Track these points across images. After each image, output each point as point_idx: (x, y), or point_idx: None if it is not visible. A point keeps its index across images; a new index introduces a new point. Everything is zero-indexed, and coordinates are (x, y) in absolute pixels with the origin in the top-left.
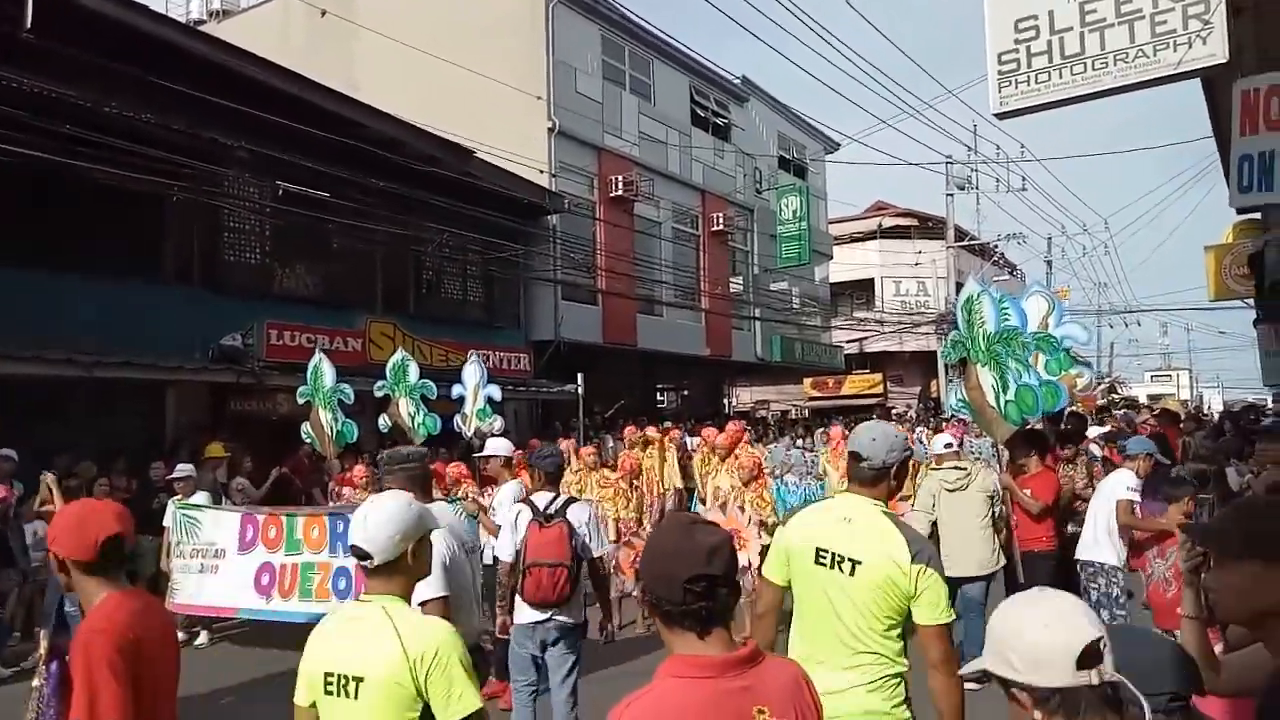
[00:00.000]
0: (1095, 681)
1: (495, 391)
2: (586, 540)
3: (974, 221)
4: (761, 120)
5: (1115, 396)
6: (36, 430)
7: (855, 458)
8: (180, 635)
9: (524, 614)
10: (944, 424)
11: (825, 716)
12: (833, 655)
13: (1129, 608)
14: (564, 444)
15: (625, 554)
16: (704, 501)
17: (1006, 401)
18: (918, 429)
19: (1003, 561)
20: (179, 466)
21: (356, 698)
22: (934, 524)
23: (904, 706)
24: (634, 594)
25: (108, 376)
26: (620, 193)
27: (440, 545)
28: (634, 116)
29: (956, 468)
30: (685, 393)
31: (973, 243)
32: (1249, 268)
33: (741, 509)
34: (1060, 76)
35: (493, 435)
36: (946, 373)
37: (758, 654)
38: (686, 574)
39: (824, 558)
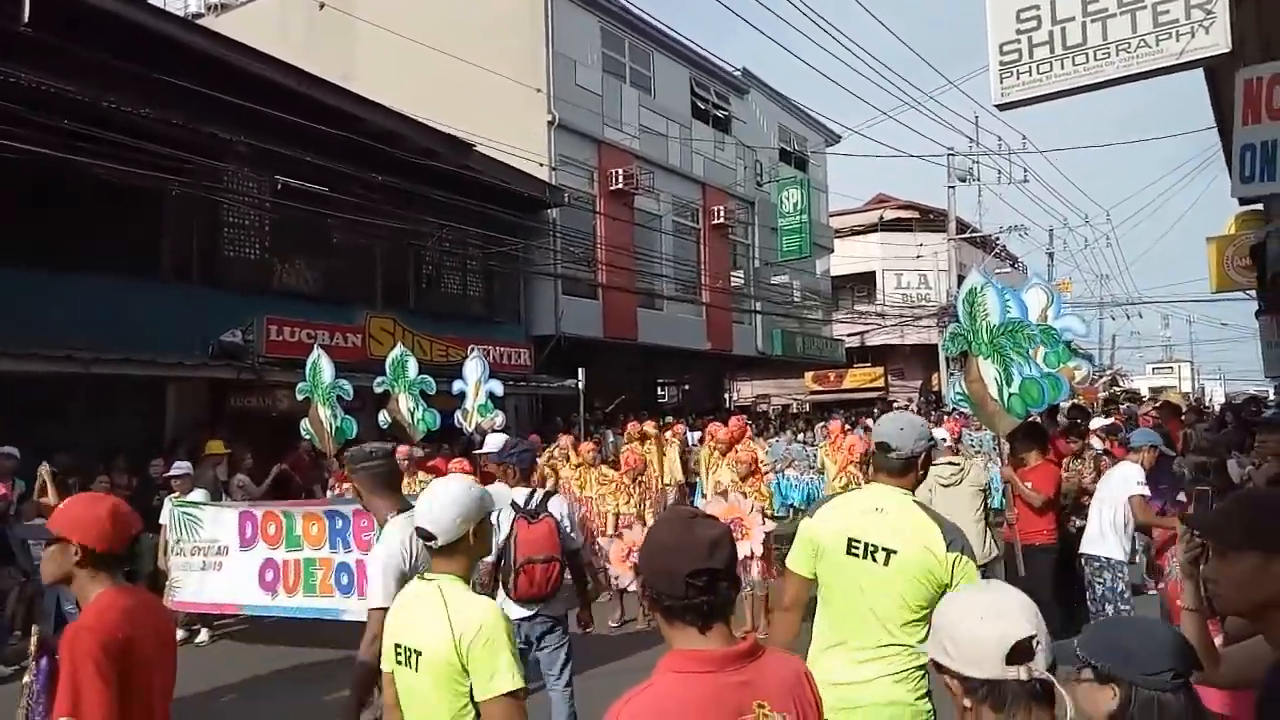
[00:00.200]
0: (1024, 677)
1: (497, 387)
2: (569, 532)
3: (976, 214)
4: (762, 112)
5: (1116, 389)
6: (37, 428)
7: (884, 448)
8: (181, 633)
9: (511, 611)
10: (945, 417)
11: (851, 706)
12: (861, 645)
13: (1134, 603)
14: (564, 439)
15: (617, 547)
16: (705, 496)
17: (1009, 394)
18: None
19: (995, 552)
20: (176, 464)
21: (418, 670)
22: None
23: (926, 699)
24: (628, 588)
25: (107, 373)
26: (620, 186)
27: (395, 552)
28: (634, 109)
29: (950, 463)
30: (686, 387)
31: (974, 235)
32: (1251, 259)
33: (744, 495)
34: (1062, 67)
35: (494, 431)
36: (948, 366)
37: (757, 648)
38: (688, 568)
39: (856, 548)
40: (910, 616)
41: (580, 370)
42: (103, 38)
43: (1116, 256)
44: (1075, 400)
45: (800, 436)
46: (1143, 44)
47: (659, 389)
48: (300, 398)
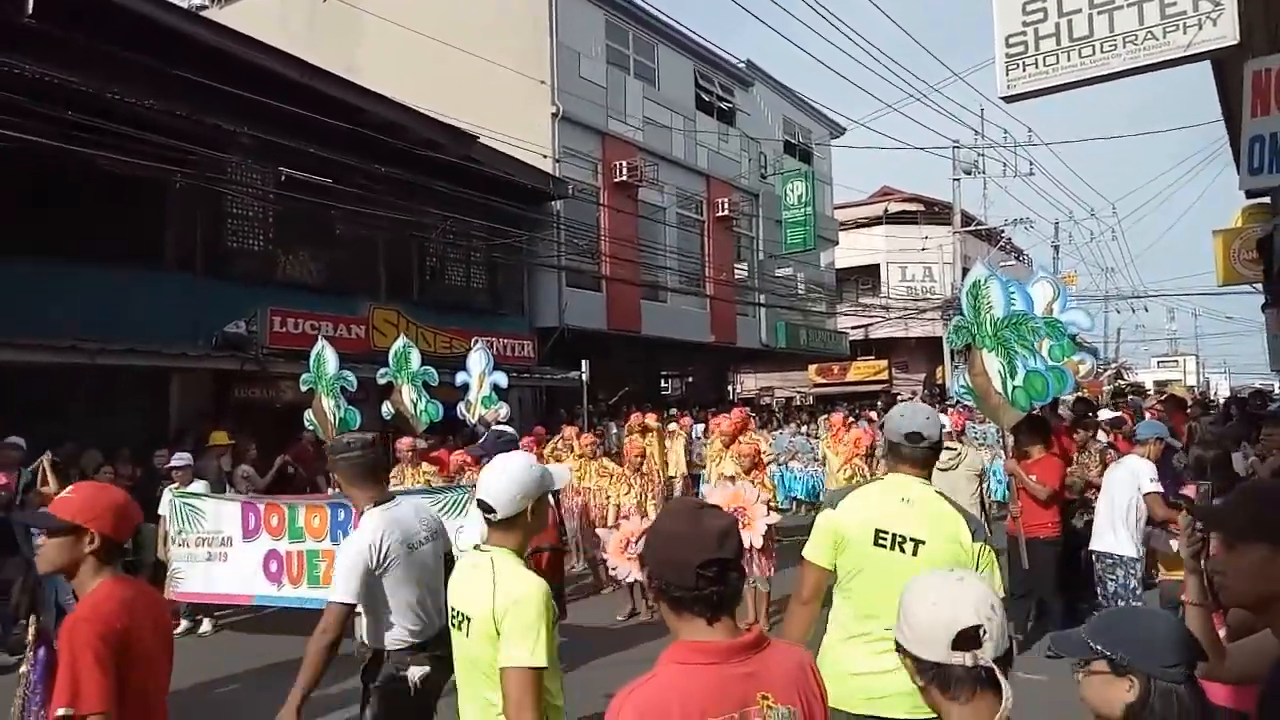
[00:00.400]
0: (968, 664)
1: (501, 379)
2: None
3: (981, 206)
4: (766, 105)
5: (1121, 383)
6: (41, 418)
7: (915, 438)
8: (184, 624)
9: None
10: (949, 409)
11: (875, 695)
12: (884, 636)
13: (1145, 598)
14: (568, 431)
15: (615, 538)
16: (710, 484)
17: (1014, 387)
18: None
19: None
20: (176, 455)
21: (468, 635)
22: None
23: None
24: (626, 579)
25: (111, 364)
26: (624, 178)
27: (364, 550)
28: (638, 101)
29: (948, 447)
30: (690, 379)
31: (979, 228)
32: (1258, 252)
33: (752, 483)
34: (1068, 59)
35: (498, 423)
36: (952, 358)
37: (762, 640)
38: (699, 559)
39: (884, 539)
40: None
41: (584, 362)
42: (107, 29)
43: (1122, 250)
44: (1080, 394)
45: (803, 429)
46: (1150, 36)
47: (663, 381)
48: (304, 389)
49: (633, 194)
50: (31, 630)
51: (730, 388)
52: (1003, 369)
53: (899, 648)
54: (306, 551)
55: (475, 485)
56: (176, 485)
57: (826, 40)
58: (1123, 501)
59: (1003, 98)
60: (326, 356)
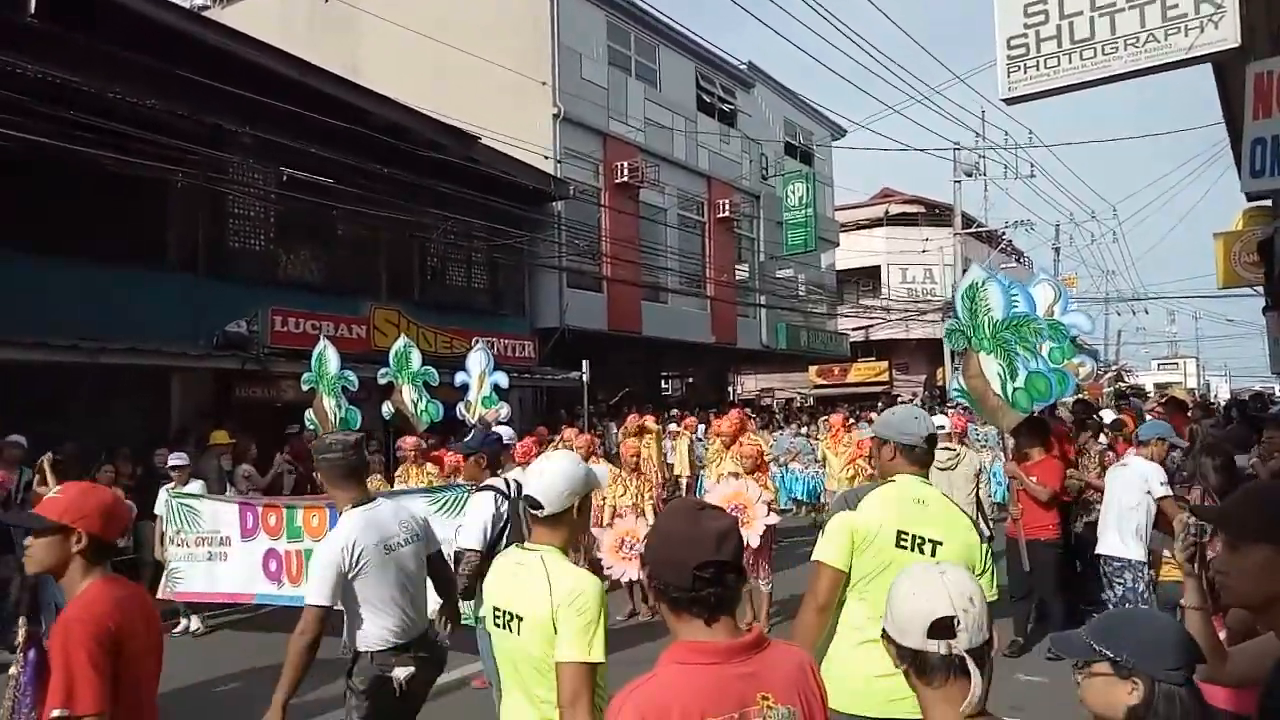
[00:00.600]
0: (942, 651)
1: (502, 379)
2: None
3: (982, 208)
4: (768, 106)
5: (1122, 385)
6: (42, 417)
7: (933, 441)
8: (183, 622)
9: None
10: (950, 411)
11: (899, 696)
12: None
13: (1151, 601)
14: (568, 432)
15: (609, 536)
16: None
17: (1014, 389)
18: None
19: (985, 533)
20: (173, 454)
21: (519, 634)
22: None
23: None
24: (622, 579)
25: (112, 364)
26: (625, 179)
27: (336, 551)
28: (639, 102)
29: (946, 448)
30: (690, 380)
31: (980, 230)
32: (1259, 254)
33: (755, 481)
34: (1070, 61)
35: (498, 423)
36: (953, 360)
37: (762, 640)
38: (696, 560)
39: (905, 540)
40: None
41: (584, 363)
42: (108, 29)
43: (1123, 252)
44: (1080, 396)
45: (804, 430)
46: (1151, 39)
47: (663, 382)
48: (306, 388)
49: (634, 195)
50: (22, 632)
51: (731, 389)
52: (1002, 371)
53: (883, 634)
54: (305, 551)
55: (472, 485)
56: (173, 485)
57: (828, 42)
58: (1129, 504)
59: (1004, 100)
60: (328, 356)
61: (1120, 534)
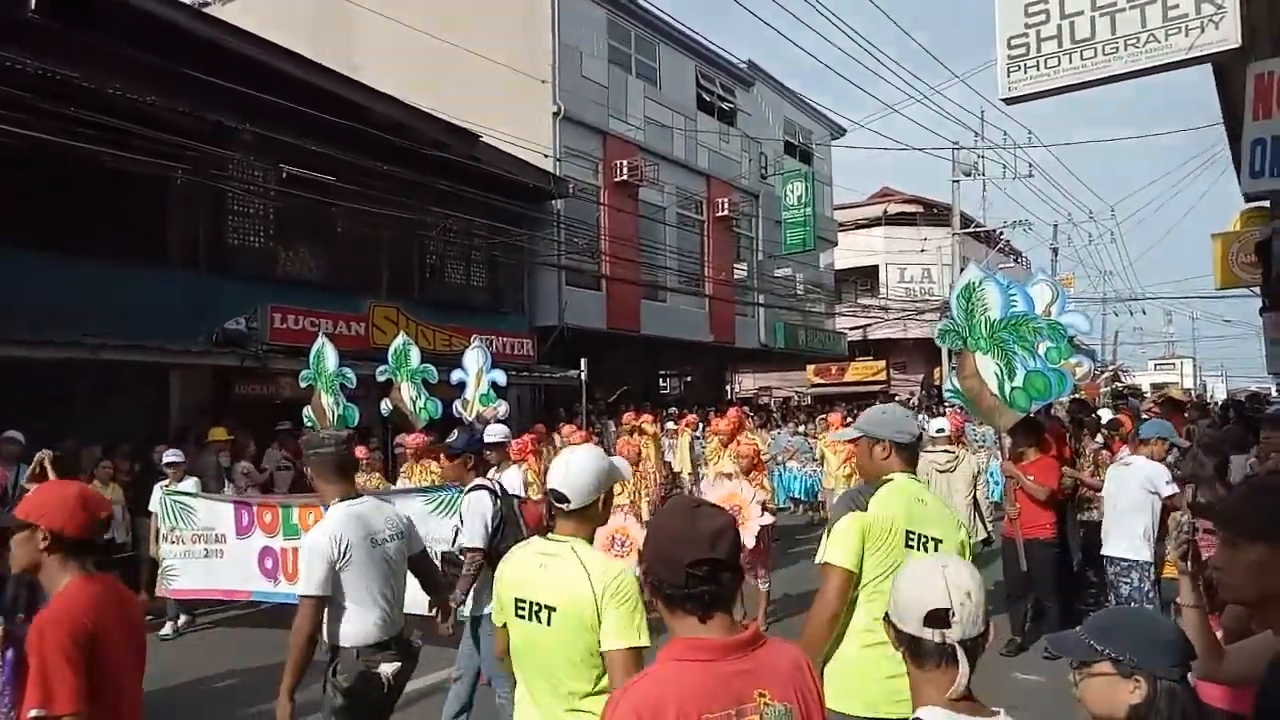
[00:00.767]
0: (936, 639)
1: (500, 376)
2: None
3: (980, 208)
4: (767, 105)
5: (1119, 385)
6: (41, 413)
7: (921, 438)
8: (182, 618)
9: None
10: (948, 411)
11: (903, 697)
12: None
13: (1156, 600)
14: (566, 429)
15: (601, 534)
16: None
17: (1012, 389)
18: (920, 416)
19: (982, 534)
20: (169, 451)
21: (549, 624)
22: None
23: None
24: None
25: (113, 359)
26: (625, 177)
27: (324, 542)
28: (639, 101)
29: (945, 450)
30: (688, 379)
31: (978, 229)
32: (1256, 255)
33: (749, 482)
34: (1070, 61)
35: (496, 420)
36: (950, 359)
37: (759, 637)
38: (689, 558)
39: (913, 540)
40: None
41: (583, 361)
42: (109, 25)
43: (1120, 252)
44: (1077, 395)
45: (801, 429)
46: (1151, 39)
47: (661, 381)
48: (304, 385)
49: (633, 193)
50: None
51: (729, 387)
52: (999, 371)
53: (885, 616)
54: (300, 548)
55: (463, 485)
56: (168, 482)
57: (828, 41)
58: (1133, 504)
59: (1004, 99)
60: (326, 353)
61: (1126, 535)
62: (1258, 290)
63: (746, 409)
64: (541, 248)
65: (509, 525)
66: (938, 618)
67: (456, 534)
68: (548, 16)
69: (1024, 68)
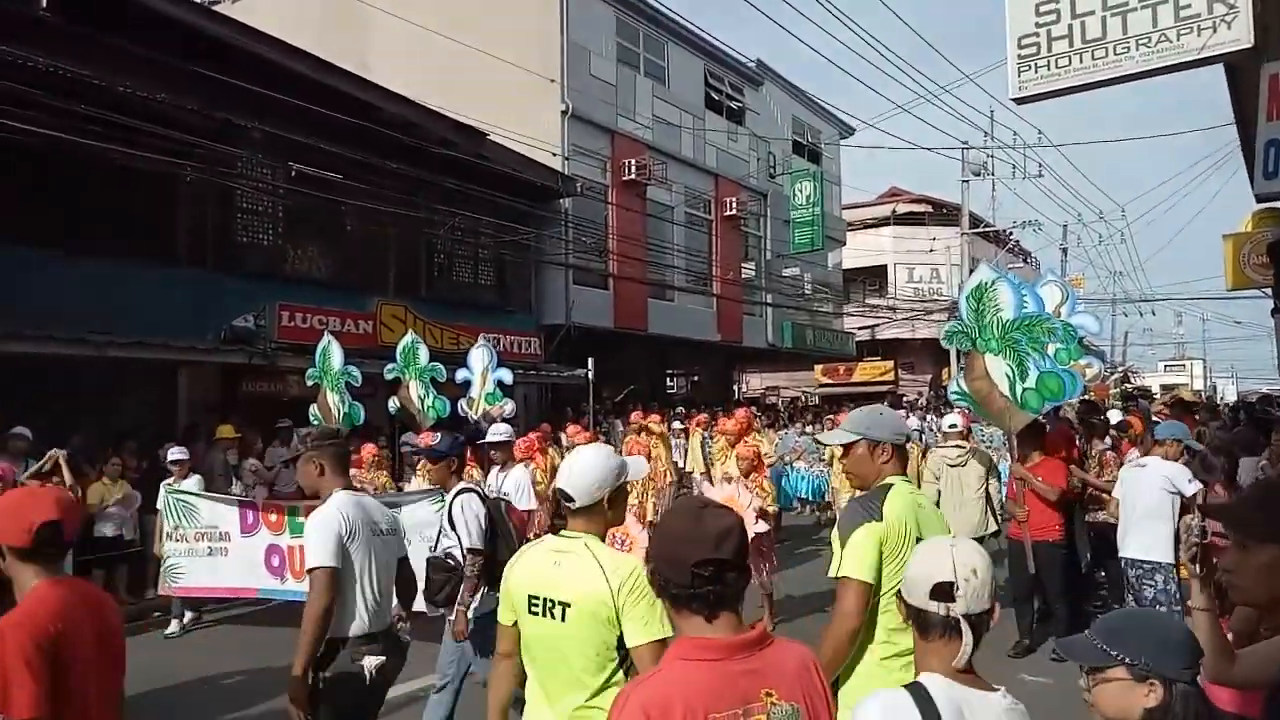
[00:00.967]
0: (941, 612)
1: (506, 375)
2: None
3: (989, 208)
4: (776, 104)
5: (1128, 386)
6: (49, 410)
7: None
8: (188, 614)
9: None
10: (957, 408)
11: None
12: None
13: (1181, 600)
14: (572, 428)
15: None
16: (713, 484)
17: (1025, 389)
18: (928, 416)
19: (993, 527)
20: (173, 449)
21: (564, 620)
22: (938, 492)
23: None
24: None
25: (120, 357)
26: (633, 176)
27: (333, 514)
28: (648, 100)
29: (957, 446)
30: (695, 378)
31: (988, 229)
32: (1268, 256)
33: (747, 489)
34: (1081, 61)
35: (503, 419)
36: (959, 360)
37: (766, 637)
38: (694, 558)
39: None
40: None
41: (590, 360)
42: (119, 23)
43: (1131, 253)
44: (1087, 397)
45: (809, 429)
46: (1163, 39)
47: (668, 380)
48: (309, 383)
49: (641, 192)
50: None
51: (736, 387)
52: (1011, 372)
53: (897, 593)
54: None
55: (446, 489)
56: (172, 480)
57: (837, 40)
58: (1153, 505)
59: (1014, 99)
60: (331, 351)
61: (1146, 537)
62: (1269, 292)
63: (754, 409)
64: (549, 246)
65: (498, 526)
66: (943, 591)
67: (439, 537)
68: (557, 16)
69: (1034, 67)
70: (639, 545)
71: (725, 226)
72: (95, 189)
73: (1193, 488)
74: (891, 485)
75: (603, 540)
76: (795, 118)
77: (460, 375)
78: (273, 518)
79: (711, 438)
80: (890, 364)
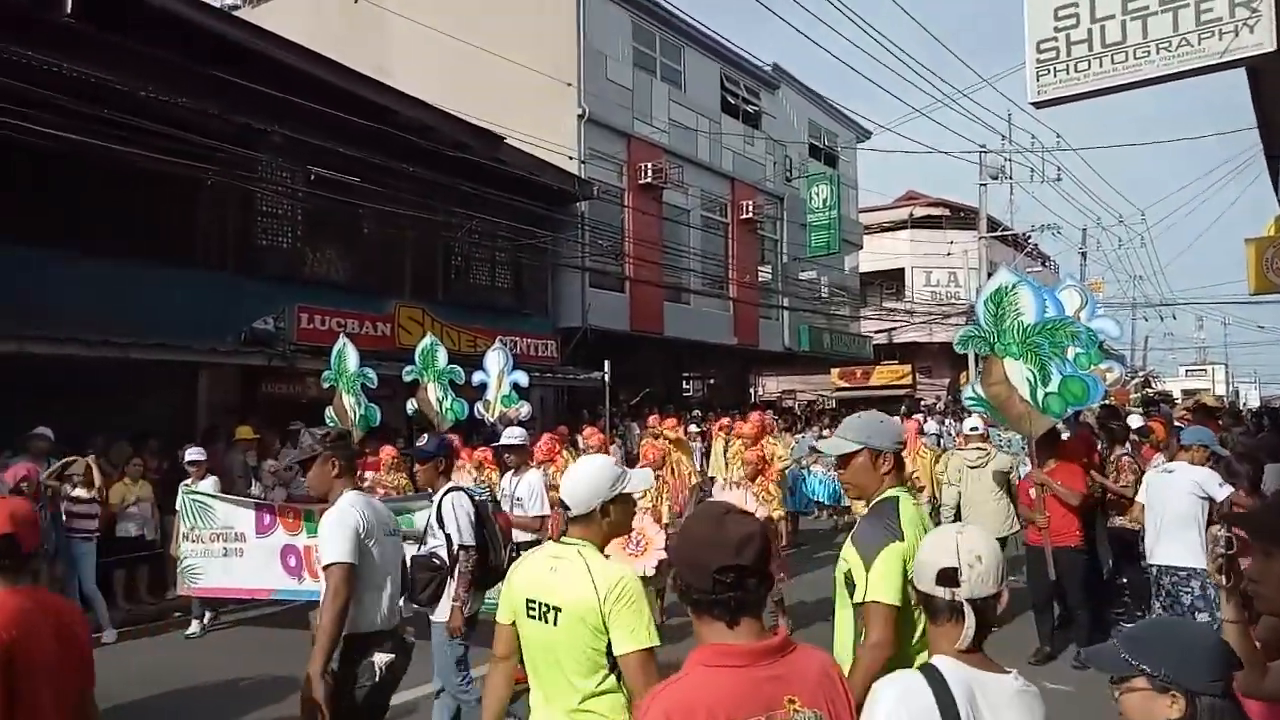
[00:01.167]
0: (946, 596)
1: (522, 377)
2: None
3: (1007, 212)
4: (792, 108)
5: (1149, 391)
6: (71, 411)
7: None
8: (208, 615)
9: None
10: (976, 412)
11: None
12: None
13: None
14: (586, 431)
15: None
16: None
17: (1046, 394)
18: (947, 420)
19: (1015, 528)
20: (191, 450)
21: (555, 625)
22: (958, 494)
23: None
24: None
25: (141, 359)
26: (649, 180)
27: (348, 510)
28: (664, 104)
29: (977, 448)
30: (711, 381)
31: (1006, 233)
32: None
33: (753, 494)
34: (1100, 65)
35: (519, 422)
36: (976, 364)
37: (788, 643)
38: (716, 564)
39: None
40: None
41: (606, 363)
42: (142, 29)
43: (1151, 257)
44: (1108, 402)
45: (825, 433)
46: (1184, 42)
47: (684, 383)
48: (325, 385)
49: (657, 196)
50: None
51: (752, 390)
52: (1032, 376)
53: (910, 579)
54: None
55: (434, 490)
56: (190, 481)
57: (853, 44)
58: (1185, 511)
59: (1033, 103)
60: (347, 353)
61: (1179, 543)
62: None
63: (770, 412)
64: (565, 249)
65: (486, 526)
66: (948, 576)
67: (425, 535)
68: (573, 20)
69: (1053, 71)
70: (654, 547)
71: (741, 230)
72: (118, 193)
73: (1224, 492)
74: (898, 498)
75: (602, 548)
76: (812, 121)
77: (477, 378)
78: (289, 519)
79: (729, 441)
80: (908, 368)
